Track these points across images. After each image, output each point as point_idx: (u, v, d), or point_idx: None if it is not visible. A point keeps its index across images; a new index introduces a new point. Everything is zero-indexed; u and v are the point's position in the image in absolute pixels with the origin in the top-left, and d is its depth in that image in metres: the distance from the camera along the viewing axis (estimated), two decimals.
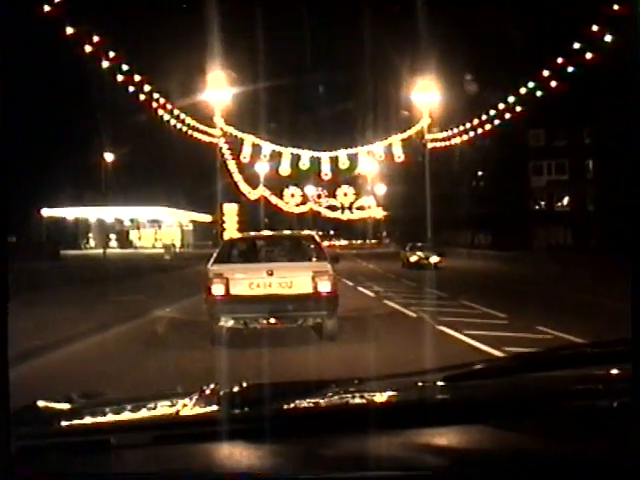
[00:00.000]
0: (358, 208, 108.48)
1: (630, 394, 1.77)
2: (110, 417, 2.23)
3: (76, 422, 2.13)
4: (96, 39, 28.41)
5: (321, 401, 2.21)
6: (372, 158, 47.07)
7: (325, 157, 44.47)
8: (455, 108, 45.99)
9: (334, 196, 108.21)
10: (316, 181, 65.76)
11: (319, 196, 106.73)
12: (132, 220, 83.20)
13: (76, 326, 12.64)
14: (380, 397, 2.31)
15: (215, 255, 11.73)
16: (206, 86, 41.34)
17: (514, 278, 29.07)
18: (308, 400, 2.20)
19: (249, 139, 43.40)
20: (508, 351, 9.14)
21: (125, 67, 32.02)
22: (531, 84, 36.06)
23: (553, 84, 34.88)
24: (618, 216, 34.92)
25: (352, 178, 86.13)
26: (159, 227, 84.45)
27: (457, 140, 43.33)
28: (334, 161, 44.51)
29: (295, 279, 10.88)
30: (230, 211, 77.15)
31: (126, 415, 2.24)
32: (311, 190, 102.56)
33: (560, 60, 33.22)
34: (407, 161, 53.45)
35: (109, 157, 56.03)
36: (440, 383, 2.29)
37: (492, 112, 38.30)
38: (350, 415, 1.99)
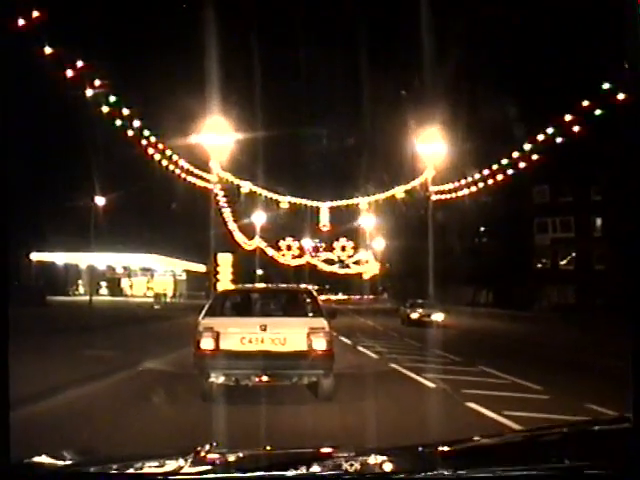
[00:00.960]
0: (355, 262, 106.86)
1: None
2: (104, 477, 2.25)
3: None
4: (80, 65, 26.74)
5: (316, 472, 2.22)
6: (373, 210, 45.25)
7: (324, 207, 42.62)
8: (461, 159, 44.43)
9: (331, 249, 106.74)
10: (314, 232, 63.80)
11: (316, 249, 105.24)
12: (124, 267, 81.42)
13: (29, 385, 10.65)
14: (375, 469, 2.31)
15: (206, 307, 11.16)
16: (203, 130, 39.87)
17: (526, 339, 26.96)
18: (301, 471, 2.17)
19: (246, 186, 41.65)
20: None
21: (113, 99, 30.40)
22: (545, 132, 34.57)
23: (557, 140, 33.56)
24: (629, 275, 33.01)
25: (351, 231, 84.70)
26: (151, 276, 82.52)
27: (464, 192, 41.48)
28: (334, 212, 42.69)
29: (289, 335, 10.30)
30: (224, 261, 75.42)
31: (120, 476, 2.24)
32: (308, 243, 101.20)
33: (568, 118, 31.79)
34: (408, 214, 51.93)
35: (101, 202, 54.16)
36: (439, 457, 2.31)
37: (504, 161, 36.64)
38: None
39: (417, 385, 12.79)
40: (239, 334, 10.30)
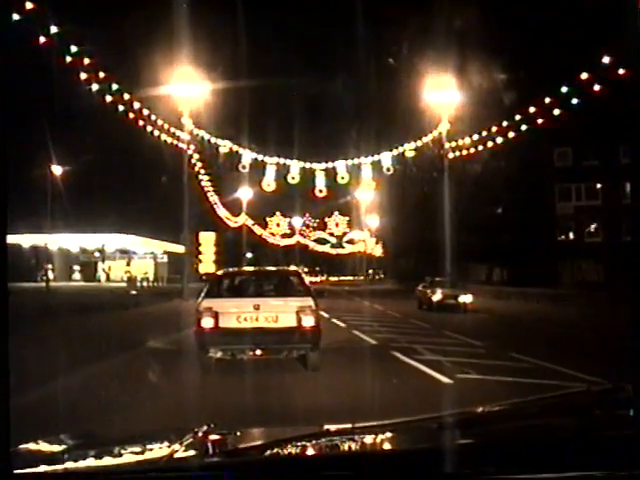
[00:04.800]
0: (348, 241, 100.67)
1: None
2: (102, 461, 2.21)
3: (69, 466, 2.10)
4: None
5: (315, 449, 2.19)
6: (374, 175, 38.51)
7: (319, 169, 35.75)
8: (479, 111, 37.89)
9: (324, 226, 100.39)
10: (306, 203, 57.37)
11: (307, 226, 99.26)
12: (100, 250, 75.50)
13: None
14: (374, 445, 2.27)
15: (205, 290, 12.02)
16: (175, 81, 33.43)
17: (601, 327, 19.67)
18: (300, 449, 2.16)
19: (226, 145, 34.73)
20: None
21: (74, 49, 25.40)
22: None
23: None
24: None
25: (345, 206, 78.55)
26: (130, 258, 76.60)
27: (486, 147, 35.33)
28: (330, 174, 35.87)
29: (280, 313, 11.23)
30: (207, 241, 69.88)
31: (118, 460, 2.22)
32: (299, 221, 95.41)
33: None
34: (415, 179, 46.00)
35: (58, 171, 47.52)
36: (436, 430, 2.25)
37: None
38: (344, 463, 1.98)
39: None
40: (235, 313, 11.26)
